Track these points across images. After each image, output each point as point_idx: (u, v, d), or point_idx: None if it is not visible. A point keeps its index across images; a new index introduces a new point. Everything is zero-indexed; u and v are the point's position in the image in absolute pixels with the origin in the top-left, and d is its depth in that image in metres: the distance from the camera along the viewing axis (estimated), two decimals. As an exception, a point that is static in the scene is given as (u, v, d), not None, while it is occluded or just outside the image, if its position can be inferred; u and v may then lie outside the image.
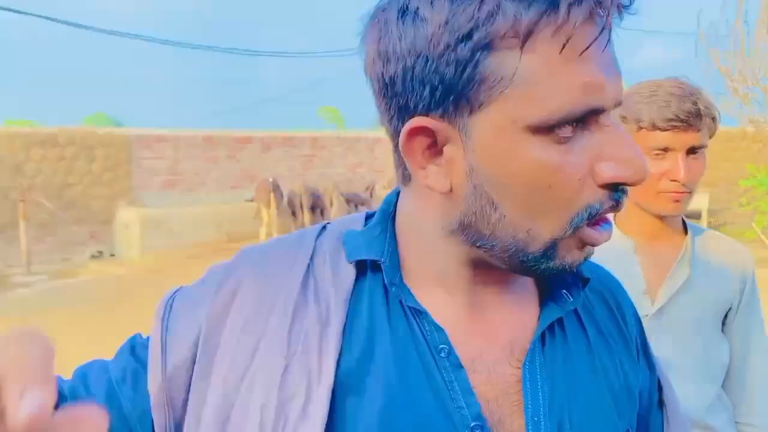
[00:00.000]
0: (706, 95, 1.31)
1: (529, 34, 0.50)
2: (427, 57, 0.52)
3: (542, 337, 0.64)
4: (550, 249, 0.57)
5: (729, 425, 1.44)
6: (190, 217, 10.65)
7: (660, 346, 1.30)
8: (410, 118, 0.56)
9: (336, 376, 0.59)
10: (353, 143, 14.69)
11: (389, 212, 0.67)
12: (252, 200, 11.65)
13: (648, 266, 1.35)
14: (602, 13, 0.51)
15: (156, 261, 9.49)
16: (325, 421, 0.57)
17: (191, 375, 0.63)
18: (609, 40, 0.54)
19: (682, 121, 1.25)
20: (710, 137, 1.33)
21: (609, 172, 0.54)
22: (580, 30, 0.50)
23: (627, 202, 1.45)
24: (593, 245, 0.58)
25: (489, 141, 0.54)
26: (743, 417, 1.47)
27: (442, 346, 0.60)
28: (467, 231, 0.59)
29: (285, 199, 11.59)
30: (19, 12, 10.36)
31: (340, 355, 0.60)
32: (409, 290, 0.63)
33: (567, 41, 0.50)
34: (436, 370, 0.60)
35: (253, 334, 0.62)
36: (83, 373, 0.65)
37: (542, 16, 0.50)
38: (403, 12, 0.54)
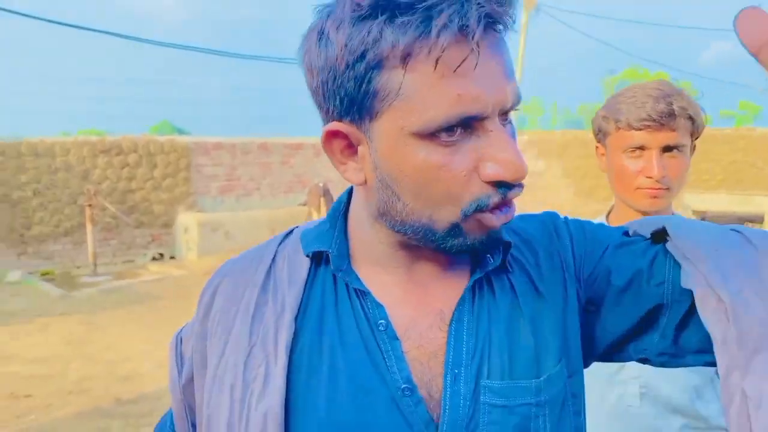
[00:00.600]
0: (688, 96, 1.35)
1: (408, 56, 0.59)
2: (335, 73, 0.63)
3: (473, 297, 0.73)
4: (454, 231, 0.66)
5: (721, 415, 1.44)
6: (245, 220, 11.00)
7: None
8: (329, 121, 0.67)
9: (291, 355, 0.70)
10: (403, 148, 14.86)
11: (340, 209, 0.78)
12: (303, 204, 11.94)
13: None
14: (471, 35, 0.59)
15: (213, 263, 9.86)
16: (284, 394, 0.69)
17: (201, 373, 0.78)
18: (499, 52, 0.62)
19: (654, 120, 1.30)
20: (693, 137, 1.37)
21: (490, 171, 0.63)
22: (453, 50, 0.59)
23: (615, 198, 1.50)
24: (491, 228, 0.67)
25: (385, 144, 0.64)
26: None
27: (381, 321, 0.71)
28: (385, 217, 0.69)
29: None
30: (78, 27, 10.99)
31: (295, 337, 0.71)
32: (355, 275, 0.73)
33: (438, 61, 0.59)
34: (375, 343, 0.70)
35: (225, 330, 0.75)
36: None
37: (416, 40, 0.59)
38: (320, 34, 0.64)
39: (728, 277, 0.65)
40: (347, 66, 0.62)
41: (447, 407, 0.68)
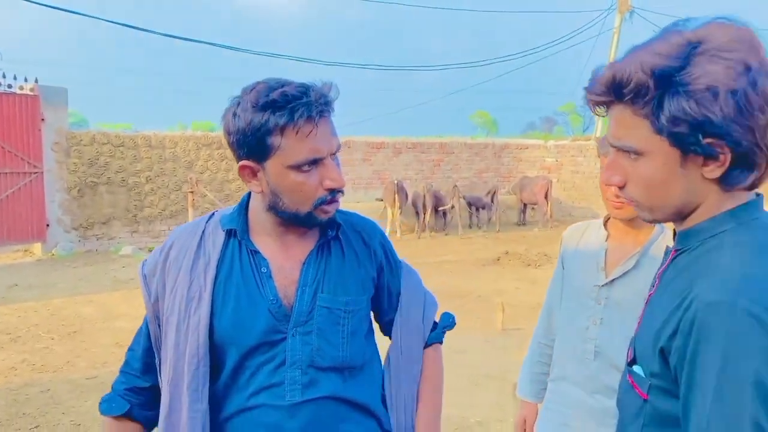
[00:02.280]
0: None
1: (283, 129, 1.17)
2: (243, 136, 1.20)
3: (317, 252, 1.36)
4: (309, 215, 1.30)
5: None
6: (326, 212, 11.86)
7: (607, 310, 1.79)
8: (240, 160, 1.24)
9: (214, 286, 1.28)
10: (480, 149, 15.13)
11: (245, 202, 1.35)
12: (380, 199, 12.62)
13: (611, 252, 1.79)
14: (314, 120, 1.23)
15: (293, 249, 10.80)
16: (209, 306, 1.27)
17: (162, 297, 1.33)
18: (329, 125, 1.25)
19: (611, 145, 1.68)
20: None
21: (326, 183, 1.28)
22: (305, 126, 1.22)
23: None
24: (328, 214, 1.31)
25: (273, 172, 1.22)
26: None
27: (263, 267, 1.30)
28: (273, 209, 1.27)
29: (409, 200, 12.40)
30: (161, 34, 12.23)
31: (216, 277, 1.29)
32: (251, 241, 1.31)
33: (298, 132, 1.19)
34: (260, 278, 1.29)
35: (176, 271, 1.32)
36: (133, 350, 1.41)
37: (287, 122, 1.17)
38: (234, 114, 1.21)
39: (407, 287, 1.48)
40: (250, 133, 1.19)
41: (296, 306, 1.29)
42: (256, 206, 1.34)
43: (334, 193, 1.27)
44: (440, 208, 12.77)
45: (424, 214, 12.42)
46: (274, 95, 1.19)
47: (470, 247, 11.57)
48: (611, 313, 1.75)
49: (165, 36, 12.85)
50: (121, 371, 1.40)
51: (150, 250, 10.73)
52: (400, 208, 12.06)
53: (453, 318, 1.53)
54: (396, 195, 11.85)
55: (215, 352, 1.30)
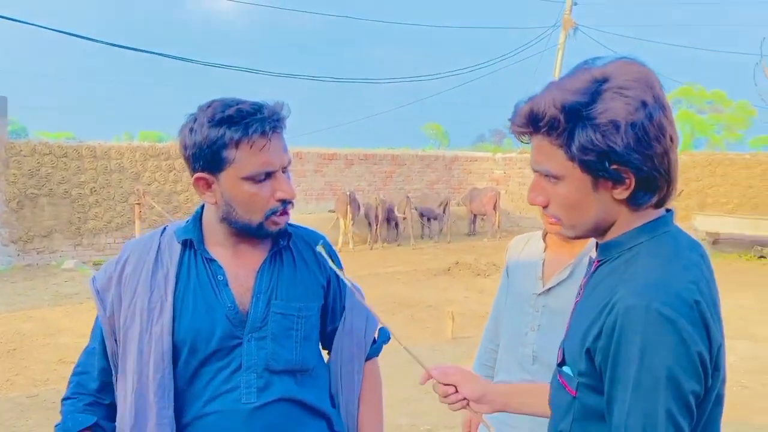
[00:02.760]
0: None
1: (238, 143, 1.29)
2: (199, 150, 1.27)
3: (270, 261, 1.40)
4: (261, 226, 1.35)
5: None
6: (278, 224, 11.78)
7: (544, 317, 1.89)
8: (195, 173, 1.31)
9: (174, 295, 1.33)
10: (432, 161, 15.34)
11: (199, 213, 1.42)
12: (332, 211, 12.65)
13: (548, 263, 1.90)
14: (267, 135, 1.29)
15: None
16: (172, 317, 1.32)
17: (118, 311, 1.36)
18: (281, 141, 1.30)
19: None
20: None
21: (277, 195, 1.34)
22: (259, 141, 1.29)
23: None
24: (279, 224, 1.36)
25: (228, 184, 1.33)
26: None
27: (220, 275, 1.36)
28: (226, 219, 1.37)
29: (361, 211, 12.46)
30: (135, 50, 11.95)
31: (175, 286, 1.34)
32: (207, 251, 1.37)
33: (252, 146, 1.29)
34: (216, 287, 1.35)
35: (134, 284, 1.36)
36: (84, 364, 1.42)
37: (242, 136, 1.28)
38: (191, 129, 1.29)
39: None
40: (206, 147, 1.27)
41: (251, 313, 1.35)
42: (210, 218, 1.39)
43: (285, 204, 1.34)
44: (391, 220, 12.86)
45: (377, 225, 12.50)
46: (230, 111, 1.26)
47: (422, 257, 11.69)
48: (548, 319, 1.86)
49: (109, 45, 12.55)
50: (74, 395, 1.39)
51: (95, 264, 10.45)
52: (353, 219, 12.10)
53: (388, 333, 1.59)
54: (348, 206, 11.89)
55: (173, 360, 1.33)
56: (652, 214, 1.04)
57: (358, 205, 12.22)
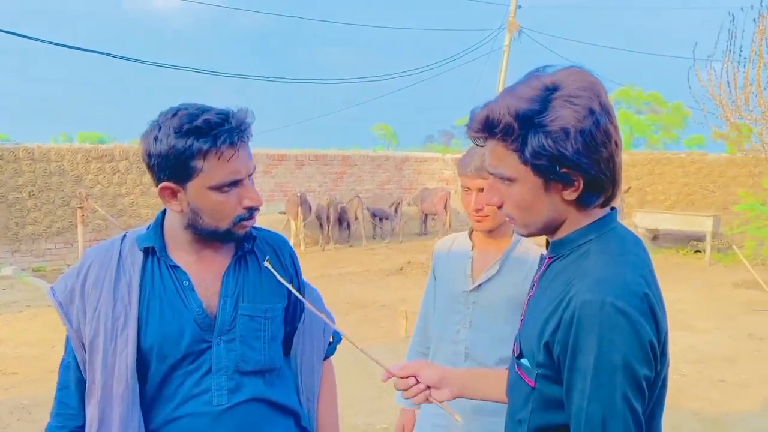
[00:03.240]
0: None
1: (206, 154, 1.26)
2: (165, 159, 1.27)
3: (235, 265, 1.41)
4: (228, 232, 1.36)
5: None
6: (227, 226, 11.59)
7: (475, 313, 1.93)
8: (161, 182, 1.30)
9: (139, 304, 1.33)
10: (382, 162, 15.40)
11: (160, 220, 1.41)
12: (283, 212, 12.53)
13: (477, 261, 1.95)
14: (235, 145, 1.29)
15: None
16: (137, 327, 1.31)
17: (83, 322, 1.34)
18: (247, 148, 1.31)
19: (472, 172, 1.85)
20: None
21: (244, 202, 1.34)
22: (227, 151, 1.29)
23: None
24: (245, 230, 1.37)
25: (195, 192, 1.31)
26: None
27: (185, 281, 1.36)
28: (192, 227, 1.36)
29: (313, 212, 12.40)
30: (80, 49, 11.54)
31: (140, 295, 1.33)
32: (170, 258, 1.37)
33: (220, 156, 1.28)
34: (182, 292, 1.35)
35: (97, 294, 1.34)
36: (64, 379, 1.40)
37: (210, 147, 1.28)
38: (155, 138, 1.27)
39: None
40: (173, 157, 1.26)
41: (219, 316, 1.36)
42: (173, 224, 1.39)
43: (252, 211, 1.36)
44: (343, 221, 12.85)
45: (328, 226, 12.46)
46: (198, 122, 1.25)
47: (374, 257, 11.73)
48: (479, 315, 1.90)
49: (45, 43, 12.07)
50: (56, 414, 1.40)
51: (35, 271, 10.07)
52: (304, 220, 12.03)
53: (340, 335, 1.61)
54: (299, 207, 11.82)
55: (141, 367, 1.33)
56: (599, 212, 1.12)
57: (309, 207, 12.15)
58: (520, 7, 18.24)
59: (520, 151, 1.05)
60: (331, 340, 1.61)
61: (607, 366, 0.97)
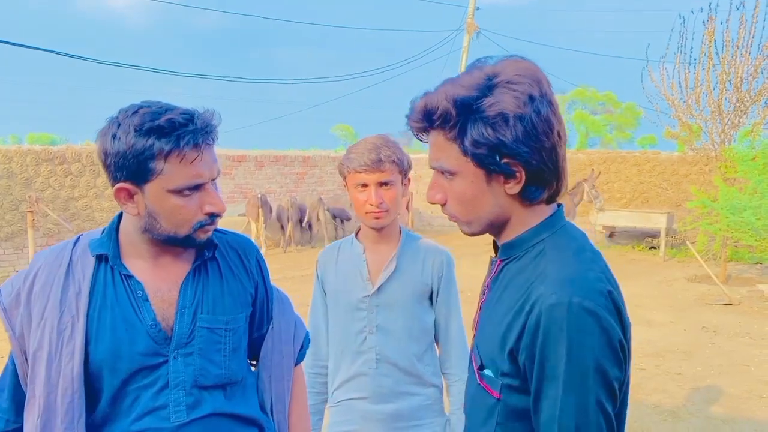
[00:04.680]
0: (395, 146, 1.79)
1: (168, 155, 1.19)
2: (123, 158, 1.20)
3: (194, 273, 1.34)
4: (188, 237, 1.29)
5: (434, 375, 1.90)
6: (186, 229, 11.37)
7: (380, 315, 1.86)
8: (117, 183, 1.23)
9: (87, 315, 1.24)
10: (344, 162, 15.35)
11: (114, 225, 1.33)
12: (243, 214, 12.35)
13: (372, 262, 1.88)
14: (199, 147, 1.22)
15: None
16: (84, 339, 1.22)
17: (28, 330, 1.26)
18: (211, 152, 1.24)
19: (369, 165, 1.76)
20: (402, 174, 1.84)
21: (205, 208, 1.27)
22: (190, 153, 1.21)
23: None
24: (206, 233, 1.30)
25: (154, 195, 1.23)
26: (445, 367, 1.92)
27: (139, 291, 1.28)
28: (148, 230, 1.28)
29: (273, 214, 12.26)
30: (41, 49, 11.12)
31: (89, 305, 1.25)
32: (124, 266, 1.29)
33: (183, 158, 1.21)
34: (135, 303, 1.27)
35: (43, 303, 1.25)
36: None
37: (173, 148, 1.20)
38: (113, 136, 1.20)
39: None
40: (132, 156, 1.19)
41: (176, 329, 1.29)
42: (129, 228, 1.32)
43: (214, 217, 1.29)
44: (304, 221, 12.75)
45: (290, 227, 12.34)
46: (161, 121, 1.18)
47: (336, 258, 11.64)
48: (385, 317, 1.85)
49: (-6, 40, 11.58)
50: None
51: (-19, 278, 9.64)
52: (264, 222, 11.89)
53: (309, 340, 1.58)
54: (260, 209, 11.67)
55: (91, 381, 1.26)
56: (547, 210, 1.09)
57: (270, 208, 12.03)
58: (478, 8, 18.45)
59: (459, 140, 1.01)
60: (302, 344, 1.55)
61: (579, 371, 0.93)
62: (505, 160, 1.00)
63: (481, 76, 1.01)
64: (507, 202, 1.05)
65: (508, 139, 0.98)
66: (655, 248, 11.72)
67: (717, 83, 9.12)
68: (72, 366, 1.23)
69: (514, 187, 1.03)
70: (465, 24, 18.95)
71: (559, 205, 1.11)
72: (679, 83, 9.45)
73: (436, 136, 1.05)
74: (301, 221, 12.72)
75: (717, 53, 9.10)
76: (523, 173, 1.01)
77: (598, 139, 41.55)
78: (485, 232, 1.12)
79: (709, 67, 9.17)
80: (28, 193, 9.81)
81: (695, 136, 9.59)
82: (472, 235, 1.12)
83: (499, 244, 1.12)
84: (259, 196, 11.78)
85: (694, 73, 9.30)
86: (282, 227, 12.50)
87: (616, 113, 41.92)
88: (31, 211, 9.10)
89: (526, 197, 1.04)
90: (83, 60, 13.00)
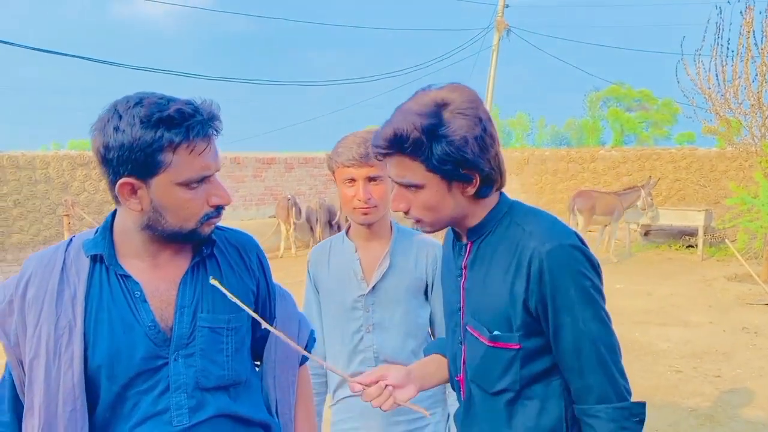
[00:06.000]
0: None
1: (177, 147, 1.15)
2: (129, 152, 1.13)
3: (193, 271, 1.29)
4: (193, 231, 1.24)
5: None
6: (217, 231, 11.49)
7: (376, 314, 1.83)
8: (120, 178, 1.17)
9: (84, 318, 1.19)
10: (373, 163, 15.34)
11: (108, 224, 1.27)
12: (273, 216, 12.44)
13: (365, 260, 1.83)
14: (208, 138, 1.19)
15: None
16: (82, 344, 1.17)
17: (23, 338, 1.20)
18: (215, 143, 1.21)
19: (357, 160, 1.72)
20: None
21: (212, 201, 1.24)
22: (199, 145, 1.18)
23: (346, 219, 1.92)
24: (210, 226, 1.26)
25: (161, 189, 1.18)
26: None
27: (137, 291, 1.23)
28: (152, 227, 1.22)
29: (303, 216, 12.31)
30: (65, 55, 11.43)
31: (85, 309, 1.20)
32: (120, 266, 1.23)
33: (192, 150, 1.17)
34: (133, 304, 1.22)
35: (38, 309, 1.20)
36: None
37: (182, 140, 1.15)
38: (115, 129, 1.14)
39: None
40: (138, 149, 1.13)
41: (176, 329, 1.24)
42: (127, 226, 1.26)
43: (220, 209, 1.26)
44: (333, 223, 12.77)
45: (319, 229, 12.37)
46: (170, 112, 1.14)
47: (365, 259, 11.61)
48: (381, 316, 1.82)
49: (30, 49, 11.94)
50: None
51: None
52: (294, 224, 11.94)
53: (315, 337, 1.54)
54: (289, 211, 11.72)
55: (90, 387, 1.21)
56: (495, 196, 1.33)
57: (299, 210, 12.07)
58: (508, 6, 18.23)
59: (427, 159, 1.21)
60: (306, 344, 1.50)
61: (584, 292, 1.20)
62: (465, 171, 1.23)
63: (431, 103, 1.21)
64: (465, 202, 1.28)
65: (469, 155, 1.20)
66: (692, 247, 11.37)
67: (756, 75, 8.80)
68: (72, 373, 1.19)
69: (470, 190, 1.26)
70: (495, 22, 18.76)
71: (501, 192, 1.34)
72: (716, 76, 9.15)
73: (401, 158, 1.23)
74: (330, 222, 12.73)
75: (756, 44, 8.80)
76: (479, 178, 1.24)
77: (634, 137, 40.66)
78: (445, 227, 1.34)
79: (747, 59, 8.86)
80: (65, 197, 10.03)
81: (734, 131, 9.27)
82: (433, 232, 1.36)
83: (462, 231, 1.34)
84: (289, 197, 11.84)
85: (732, 65, 9.00)
86: (311, 228, 12.53)
87: (652, 110, 40.98)
88: (67, 215, 9.33)
89: (481, 195, 1.28)
90: (118, 66, 13.27)
